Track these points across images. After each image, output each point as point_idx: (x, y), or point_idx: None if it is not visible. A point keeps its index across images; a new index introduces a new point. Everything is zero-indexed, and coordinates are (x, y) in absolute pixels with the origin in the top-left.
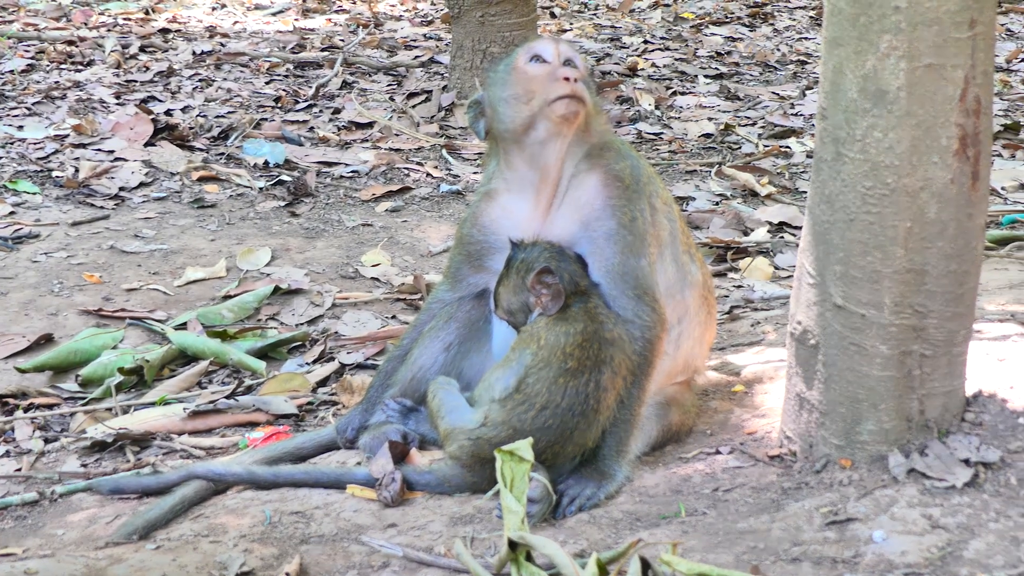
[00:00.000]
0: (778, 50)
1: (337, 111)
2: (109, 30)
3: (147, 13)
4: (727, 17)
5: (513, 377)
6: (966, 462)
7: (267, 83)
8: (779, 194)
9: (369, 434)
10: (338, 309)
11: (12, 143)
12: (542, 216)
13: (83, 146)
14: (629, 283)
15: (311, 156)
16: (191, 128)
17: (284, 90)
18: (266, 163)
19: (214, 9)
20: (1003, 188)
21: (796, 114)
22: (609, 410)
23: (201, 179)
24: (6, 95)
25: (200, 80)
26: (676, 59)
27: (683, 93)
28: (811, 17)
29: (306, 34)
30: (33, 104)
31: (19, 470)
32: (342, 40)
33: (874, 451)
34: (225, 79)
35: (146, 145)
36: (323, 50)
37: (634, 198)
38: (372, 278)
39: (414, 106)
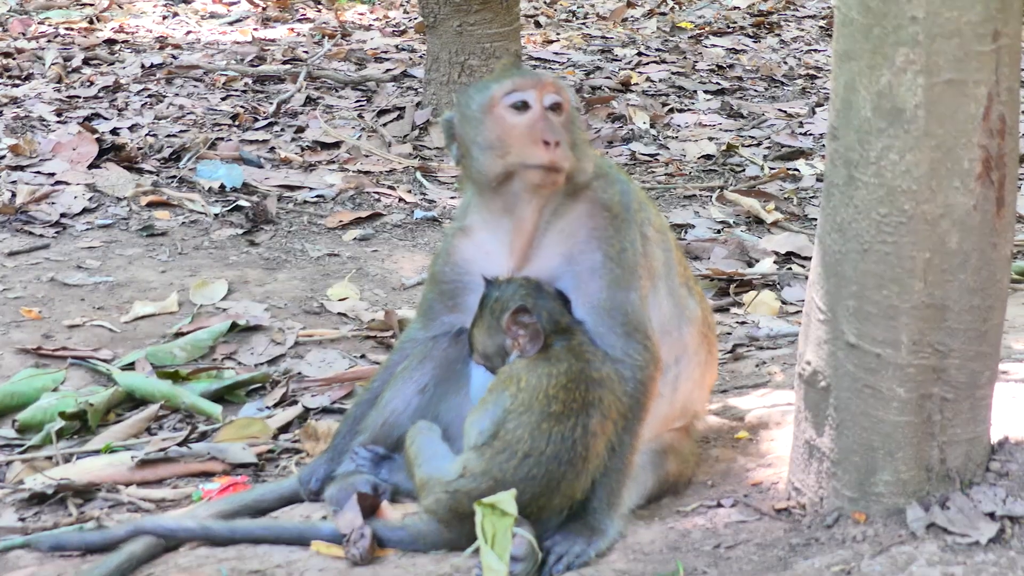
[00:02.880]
0: (785, 63)
1: (300, 130)
2: (49, 41)
3: (91, 22)
4: (729, 27)
5: (489, 420)
6: (991, 516)
7: (223, 99)
8: (786, 221)
9: (336, 485)
10: (301, 348)
11: None
12: (521, 256)
13: (21, 168)
14: (617, 319)
15: (272, 179)
16: (140, 149)
17: (242, 107)
18: (222, 187)
19: (165, 18)
20: None
21: (805, 133)
22: (599, 458)
23: (150, 204)
24: None
25: (149, 96)
26: (673, 73)
27: (681, 110)
28: (821, 28)
29: (266, 45)
30: None
31: None
32: (306, 52)
33: (890, 504)
34: (177, 95)
35: (90, 167)
36: (285, 63)
37: (623, 228)
38: (339, 313)
39: (385, 124)
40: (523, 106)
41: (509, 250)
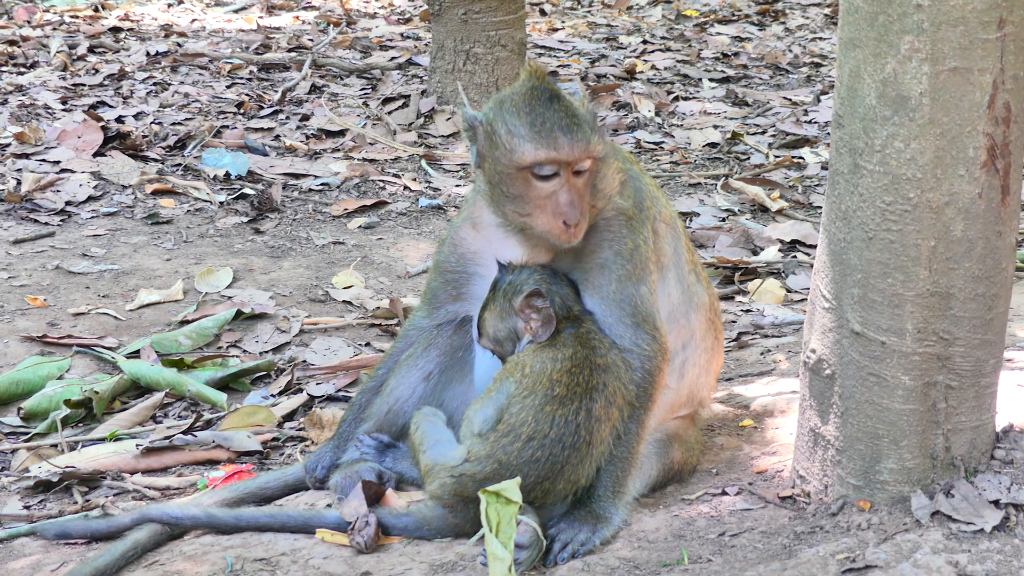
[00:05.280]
0: (790, 51)
1: (305, 118)
2: (55, 29)
3: (96, 10)
4: (734, 15)
5: (492, 408)
6: (996, 504)
7: (228, 87)
8: (791, 209)
9: (341, 473)
10: (306, 336)
11: None
12: (532, 255)
13: (26, 156)
14: (626, 310)
15: (277, 167)
16: (144, 136)
17: (247, 94)
18: (227, 175)
19: (170, 6)
20: None
21: (810, 122)
22: (603, 443)
23: (156, 192)
24: None
25: (155, 84)
26: (678, 61)
27: (686, 98)
28: (826, 15)
29: (271, 33)
30: None
31: None
32: (311, 40)
33: (895, 492)
34: (182, 82)
35: (95, 155)
36: (290, 50)
37: (636, 227)
38: (344, 301)
39: (390, 112)
40: (551, 175)
41: (527, 251)
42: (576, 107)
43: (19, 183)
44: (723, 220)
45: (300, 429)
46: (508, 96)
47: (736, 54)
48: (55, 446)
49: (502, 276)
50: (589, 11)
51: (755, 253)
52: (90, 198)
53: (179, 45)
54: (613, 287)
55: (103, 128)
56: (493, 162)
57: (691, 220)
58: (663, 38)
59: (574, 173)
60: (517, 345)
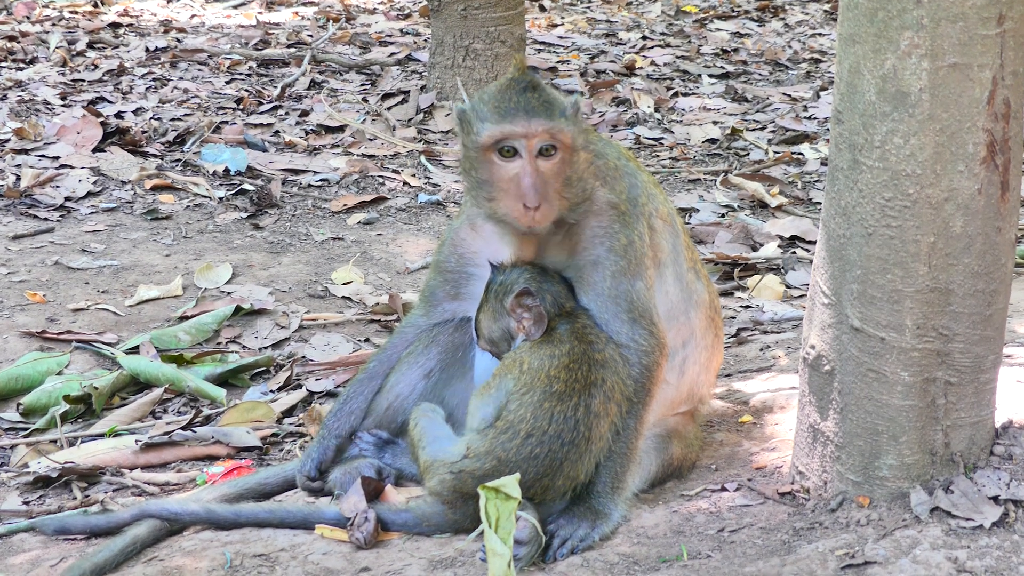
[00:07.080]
0: (789, 47)
1: (305, 113)
2: (54, 24)
3: (96, 6)
4: (734, 11)
5: (492, 406)
6: (995, 500)
7: (228, 83)
8: (791, 205)
9: (340, 469)
10: (306, 331)
11: None
12: (527, 252)
13: (25, 152)
14: (622, 306)
15: (276, 163)
16: (144, 132)
17: (247, 90)
18: (226, 171)
19: (169, 1)
20: None
21: (809, 117)
22: (602, 439)
23: (155, 188)
24: None
25: (154, 79)
26: (678, 57)
27: (685, 94)
28: (825, 11)
29: (271, 29)
30: None
31: None
32: (310, 35)
33: (894, 488)
34: (181, 78)
35: (94, 151)
36: (289, 46)
37: (630, 222)
38: (343, 297)
39: (390, 108)
40: (512, 152)
41: (515, 247)
42: (552, 95)
43: (18, 179)
44: (722, 216)
45: (299, 425)
46: (488, 88)
47: (736, 50)
48: (54, 442)
49: (494, 277)
50: (588, 7)
51: (754, 249)
52: (89, 194)
53: (178, 41)
54: (608, 283)
55: (102, 124)
56: (465, 149)
57: (690, 216)
58: (663, 34)
59: (540, 156)
60: (512, 345)
